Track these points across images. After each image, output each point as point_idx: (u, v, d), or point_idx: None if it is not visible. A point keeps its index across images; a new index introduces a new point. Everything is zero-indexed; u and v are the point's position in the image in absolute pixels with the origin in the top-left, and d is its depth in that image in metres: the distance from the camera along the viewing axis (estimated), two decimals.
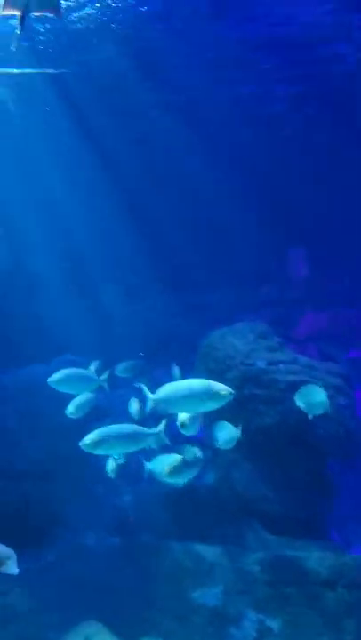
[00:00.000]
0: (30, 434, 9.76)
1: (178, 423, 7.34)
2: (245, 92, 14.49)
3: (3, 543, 8.88)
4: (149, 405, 6.79)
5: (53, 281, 15.01)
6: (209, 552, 9.02)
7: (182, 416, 7.25)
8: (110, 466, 8.60)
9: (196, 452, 8.26)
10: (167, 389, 6.67)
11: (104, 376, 8.29)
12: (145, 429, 7.30)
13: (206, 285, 16.39)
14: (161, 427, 7.44)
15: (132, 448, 7.32)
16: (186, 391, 6.57)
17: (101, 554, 9.47)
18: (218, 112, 14.63)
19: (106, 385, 8.29)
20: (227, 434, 8.04)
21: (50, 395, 8.09)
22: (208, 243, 16.43)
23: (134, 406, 8.72)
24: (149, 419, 7.89)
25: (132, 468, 9.02)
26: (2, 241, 13.99)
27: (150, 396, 6.74)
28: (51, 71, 12.53)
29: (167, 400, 6.62)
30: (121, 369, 9.74)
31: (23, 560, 8.85)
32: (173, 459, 7.84)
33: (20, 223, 14.72)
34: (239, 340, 9.73)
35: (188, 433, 7.49)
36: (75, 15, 11.52)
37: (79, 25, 11.81)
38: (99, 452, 7.05)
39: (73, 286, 15.31)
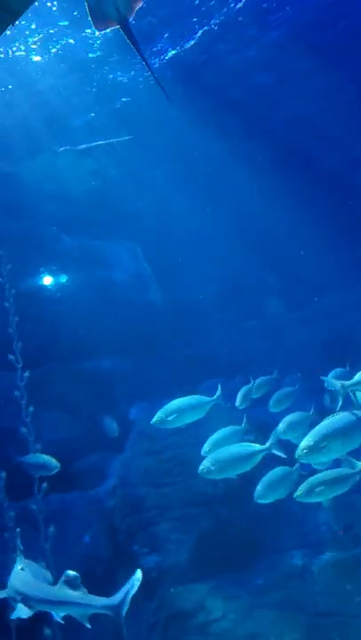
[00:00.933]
0: None
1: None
2: None
3: (204, 569, 8.88)
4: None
5: (214, 306, 15.21)
6: None
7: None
8: None
9: None
10: None
11: (217, 394, 7.70)
12: (255, 446, 6.92)
13: None
14: (271, 442, 6.95)
15: (247, 467, 6.96)
16: None
17: (313, 573, 8.95)
18: None
19: (221, 402, 7.72)
20: None
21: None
22: None
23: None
24: None
25: None
26: (153, 278, 14.59)
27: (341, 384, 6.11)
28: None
29: None
30: (255, 387, 9.00)
31: (231, 585, 8.79)
32: None
33: (177, 254, 15.36)
34: None
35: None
36: None
37: None
38: (215, 476, 7.00)
39: (236, 308, 15.38)
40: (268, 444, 6.97)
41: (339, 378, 7.46)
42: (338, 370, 8.54)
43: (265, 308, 16.31)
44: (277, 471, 7.14)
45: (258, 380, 9.02)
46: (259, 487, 7.02)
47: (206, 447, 7.46)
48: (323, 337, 14.45)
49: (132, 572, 5.01)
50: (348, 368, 8.51)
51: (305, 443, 5.78)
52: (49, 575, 5.39)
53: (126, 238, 14.74)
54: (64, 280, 13.67)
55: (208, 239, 15.73)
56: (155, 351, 13.03)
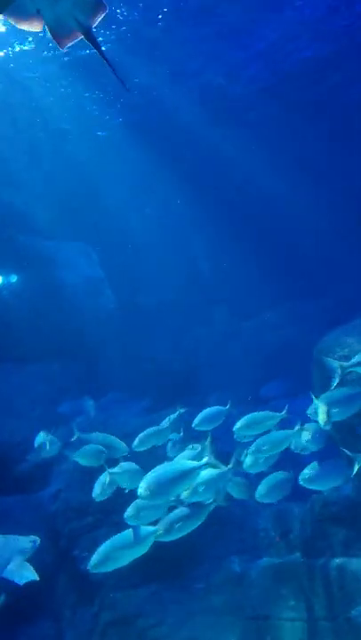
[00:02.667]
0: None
1: None
2: None
3: (144, 574, 8.95)
4: None
5: (165, 313, 15.32)
6: None
7: None
8: None
9: None
10: None
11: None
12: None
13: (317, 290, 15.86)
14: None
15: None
16: None
17: (251, 578, 9.16)
18: None
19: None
20: None
21: None
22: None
23: None
24: None
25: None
26: (105, 282, 14.59)
27: None
28: None
29: None
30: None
31: (170, 590, 8.90)
32: None
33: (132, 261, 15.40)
34: (354, 337, 9.03)
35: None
36: None
37: None
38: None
39: (187, 315, 15.55)
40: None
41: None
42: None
43: (214, 315, 16.58)
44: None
45: (168, 419, 8.64)
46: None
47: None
48: (266, 347, 14.79)
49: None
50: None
51: (139, 490, 6.42)
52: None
53: (81, 241, 14.68)
54: (14, 280, 13.47)
55: (163, 246, 15.89)
56: (104, 355, 13.03)
